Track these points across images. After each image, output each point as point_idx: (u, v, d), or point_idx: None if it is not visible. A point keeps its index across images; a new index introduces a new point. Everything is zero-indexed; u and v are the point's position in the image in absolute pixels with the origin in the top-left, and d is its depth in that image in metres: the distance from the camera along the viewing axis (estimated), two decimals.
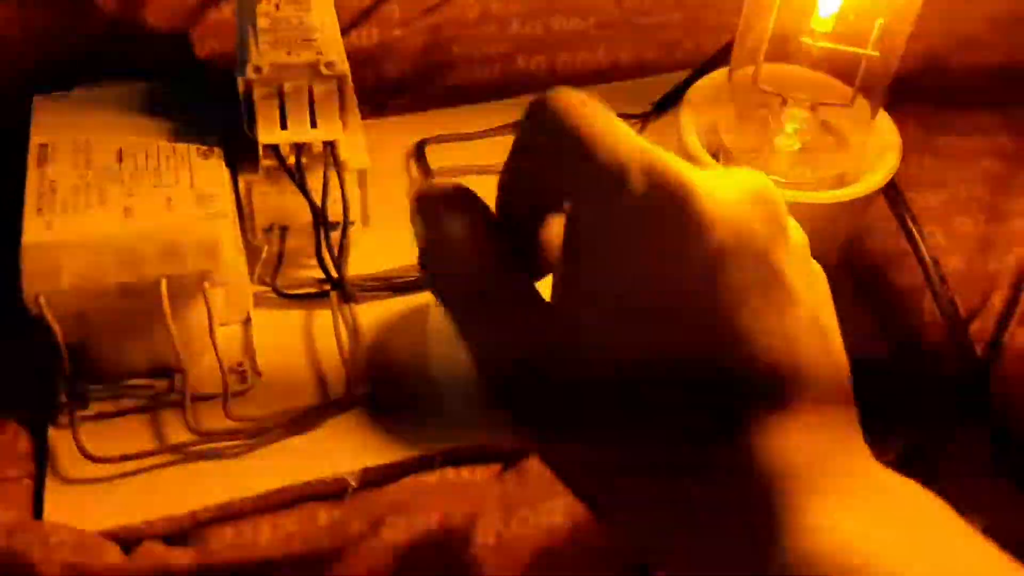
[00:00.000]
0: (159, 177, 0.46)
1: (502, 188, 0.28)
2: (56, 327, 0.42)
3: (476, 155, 0.58)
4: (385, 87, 0.62)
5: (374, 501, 0.43)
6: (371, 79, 0.61)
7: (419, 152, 0.58)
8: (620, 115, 0.26)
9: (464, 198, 0.28)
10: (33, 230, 0.43)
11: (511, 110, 0.61)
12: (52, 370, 0.45)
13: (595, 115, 0.25)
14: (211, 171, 0.47)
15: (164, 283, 0.43)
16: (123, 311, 0.44)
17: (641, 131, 0.59)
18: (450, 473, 0.44)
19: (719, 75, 0.50)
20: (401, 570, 0.40)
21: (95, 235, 0.43)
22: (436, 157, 0.58)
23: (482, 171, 0.57)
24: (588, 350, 0.26)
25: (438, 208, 0.27)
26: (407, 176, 0.58)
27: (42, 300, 0.41)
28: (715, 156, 0.48)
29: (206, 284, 0.44)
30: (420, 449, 0.45)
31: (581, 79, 0.63)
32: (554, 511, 0.43)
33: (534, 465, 0.45)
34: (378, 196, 0.52)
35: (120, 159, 0.47)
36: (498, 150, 0.59)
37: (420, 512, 0.42)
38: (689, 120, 0.48)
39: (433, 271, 0.28)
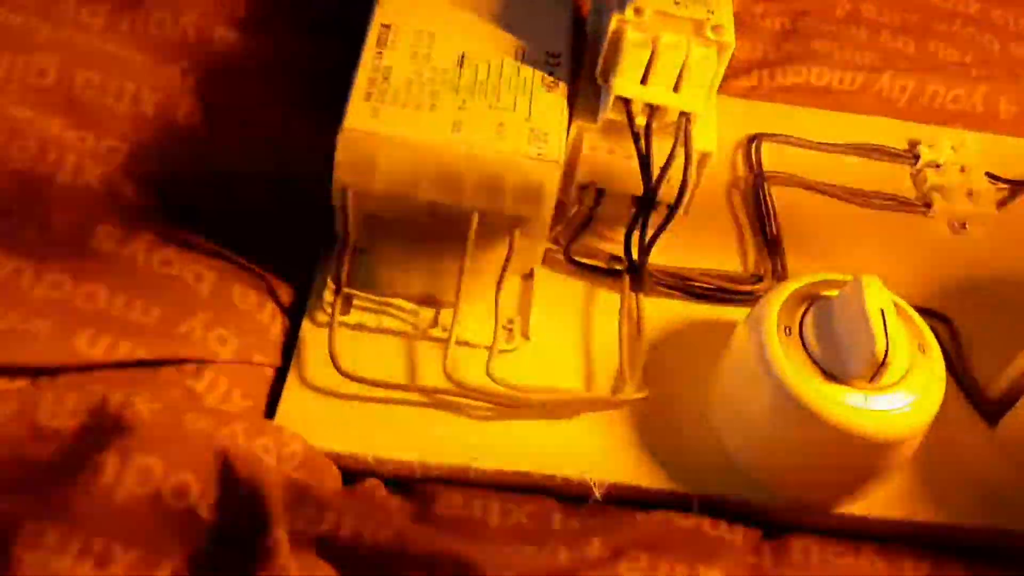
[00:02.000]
0: (497, 97, 0.41)
1: None
2: (352, 227, 0.38)
3: (810, 167, 0.51)
4: (731, 62, 0.55)
5: (619, 525, 0.38)
6: None
7: (750, 146, 0.52)
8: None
9: None
10: (358, 114, 0.39)
11: (863, 128, 0.53)
12: (327, 264, 0.42)
13: None
14: (551, 107, 0.42)
15: (476, 217, 0.38)
16: (422, 231, 0.40)
17: (1010, 199, 0.51)
18: (706, 524, 0.39)
19: None
20: None
21: (422, 140, 0.39)
22: (768, 157, 0.52)
23: (816, 188, 0.50)
24: None
25: None
26: (730, 169, 0.51)
27: (349, 195, 0.38)
28: None
29: (517, 231, 0.39)
30: (679, 484, 0.40)
31: (948, 118, 0.55)
32: None
33: (799, 544, 0.39)
34: (702, 188, 0.46)
35: (461, 64, 0.42)
36: (836, 169, 0.53)
37: (667, 557, 0.37)
38: None
39: None
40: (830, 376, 0.37)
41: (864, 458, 0.38)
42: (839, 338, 0.37)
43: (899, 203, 0.50)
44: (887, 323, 0.36)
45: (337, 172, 0.38)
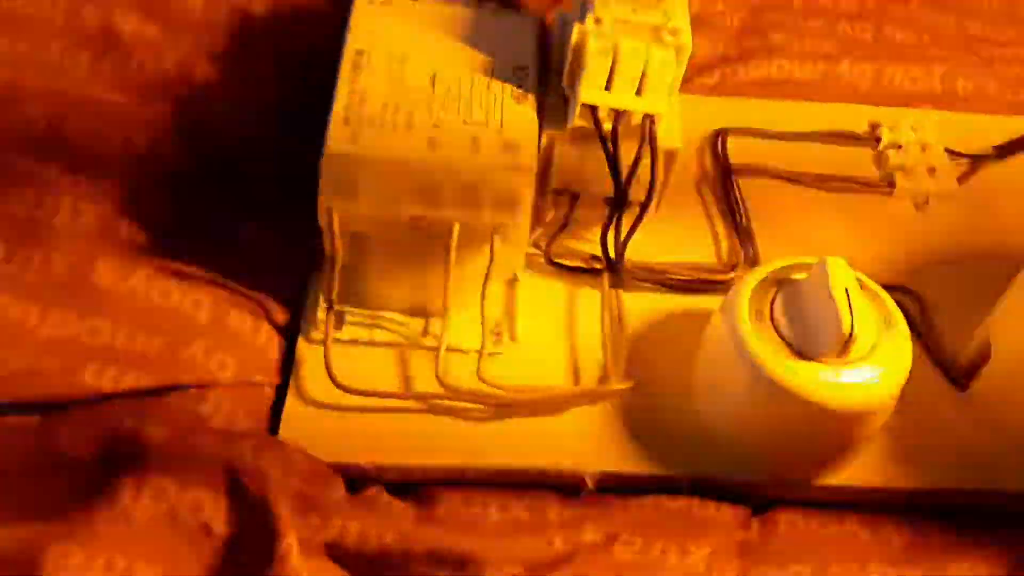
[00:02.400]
0: (469, 112, 0.43)
1: None
2: (339, 244, 0.40)
3: (779, 157, 0.53)
4: (694, 61, 0.57)
5: (612, 511, 0.40)
6: None
7: (717, 140, 0.54)
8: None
9: None
10: (339, 138, 0.41)
11: (825, 115, 0.55)
12: (318, 283, 0.44)
13: None
14: (521, 118, 0.43)
15: (457, 226, 0.40)
16: (406, 244, 0.42)
17: (970, 174, 0.53)
18: (696, 504, 0.41)
19: None
20: None
21: (400, 157, 0.41)
22: (734, 150, 0.54)
23: (782, 177, 0.52)
24: None
25: None
26: (698, 163, 0.53)
27: (334, 214, 0.40)
28: None
29: (496, 238, 0.41)
30: (668, 468, 0.42)
31: (909, 99, 0.57)
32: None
33: (785, 518, 0.41)
34: (671, 182, 0.48)
35: (433, 83, 0.44)
36: (801, 157, 0.55)
37: (657, 538, 0.39)
38: None
39: None
40: (801, 354, 0.39)
41: (839, 430, 0.40)
42: (808, 318, 0.39)
43: (863, 185, 0.52)
44: (852, 301, 0.38)
45: (321, 195, 0.40)
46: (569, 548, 0.38)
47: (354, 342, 0.44)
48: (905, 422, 0.43)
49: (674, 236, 0.49)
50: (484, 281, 0.42)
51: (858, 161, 0.54)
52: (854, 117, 0.56)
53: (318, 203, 0.40)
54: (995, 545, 0.41)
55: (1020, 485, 0.42)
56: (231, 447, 0.35)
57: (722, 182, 0.52)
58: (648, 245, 0.48)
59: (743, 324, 0.40)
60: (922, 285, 0.48)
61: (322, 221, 0.40)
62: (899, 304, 0.47)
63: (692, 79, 0.57)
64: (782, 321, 0.40)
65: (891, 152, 0.53)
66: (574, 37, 0.43)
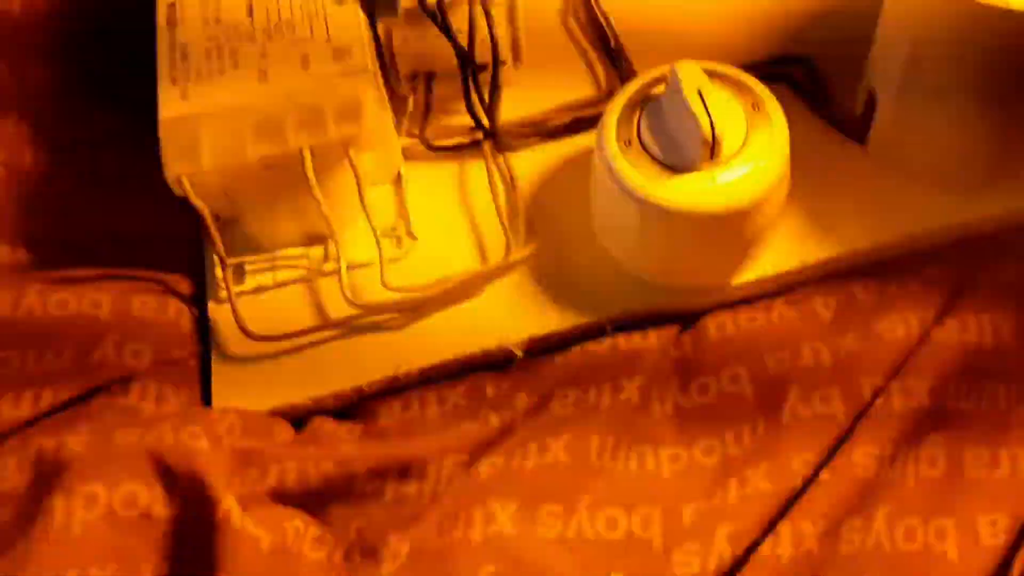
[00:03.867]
0: (293, 30, 0.42)
1: None
2: (203, 207, 0.40)
3: None
4: None
5: (542, 372, 0.41)
6: None
7: None
8: None
9: None
10: (169, 103, 0.40)
11: None
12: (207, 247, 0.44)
13: None
14: (347, 19, 0.42)
15: (307, 153, 0.40)
16: (269, 184, 0.41)
17: None
18: (621, 341, 0.41)
19: None
20: (571, 448, 0.38)
21: (232, 104, 0.40)
22: None
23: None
24: None
25: None
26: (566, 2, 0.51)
27: (185, 182, 0.39)
28: None
29: (351, 150, 0.40)
30: (588, 315, 0.42)
31: None
32: (739, 379, 0.40)
33: (713, 323, 0.41)
34: (532, 27, 0.46)
35: (251, 12, 0.43)
36: None
37: (591, 384, 0.40)
38: None
39: None
40: (675, 170, 0.38)
41: (732, 232, 0.40)
42: (672, 132, 0.38)
43: None
44: (709, 102, 0.37)
45: (165, 164, 0.39)
46: (507, 420, 0.39)
47: (260, 289, 0.44)
48: (813, 191, 0.42)
49: (549, 80, 0.48)
50: (359, 194, 0.42)
51: None
52: None
53: (165, 174, 0.39)
54: (923, 290, 0.41)
55: (928, 224, 0.42)
56: (150, 432, 0.36)
57: (585, 5, 0.50)
58: (525, 99, 0.47)
59: (614, 157, 0.39)
60: (813, 47, 0.47)
61: (175, 189, 0.40)
62: (788, 74, 0.46)
63: None
64: (650, 141, 0.39)
65: None
66: None
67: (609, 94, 0.47)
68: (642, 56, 0.48)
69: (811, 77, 0.46)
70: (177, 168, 0.39)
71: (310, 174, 0.40)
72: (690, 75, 0.38)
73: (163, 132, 0.40)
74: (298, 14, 0.43)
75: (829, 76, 0.46)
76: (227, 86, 0.41)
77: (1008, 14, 0.35)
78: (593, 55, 0.49)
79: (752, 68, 0.46)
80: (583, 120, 0.46)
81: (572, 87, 0.48)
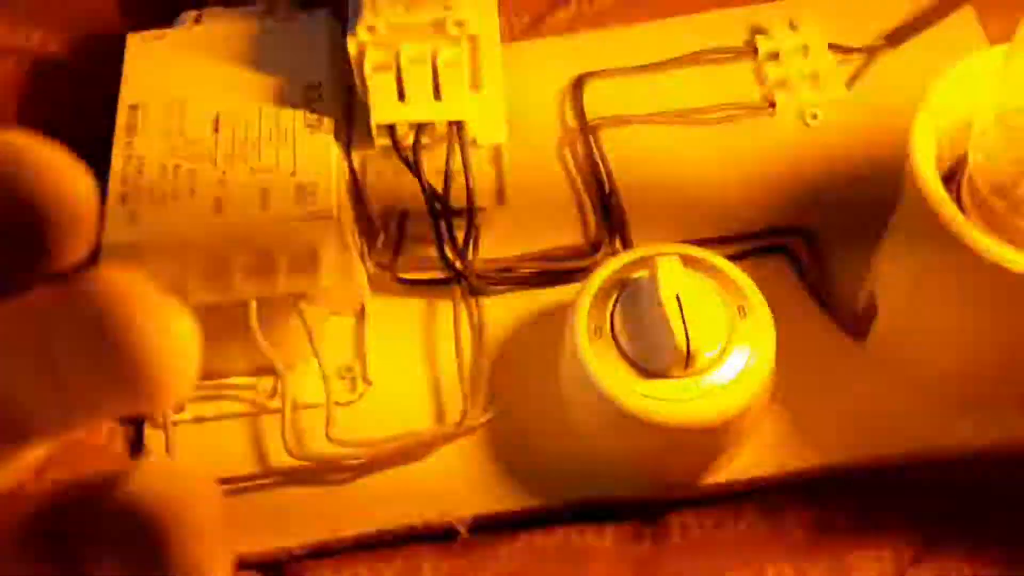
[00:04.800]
0: (258, 155, 0.39)
1: None
2: None
3: (645, 94, 0.47)
4: None
5: (485, 561, 0.38)
6: None
7: (577, 89, 0.48)
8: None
9: None
10: (115, 224, 0.38)
11: (697, 29, 0.49)
12: None
13: None
14: (316, 150, 0.39)
15: (254, 308, 0.37)
16: (213, 320, 0.38)
17: (859, 73, 0.47)
18: (573, 535, 0.38)
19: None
20: None
21: (181, 237, 0.37)
22: (596, 97, 0.48)
23: (647, 121, 0.47)
24: None
25: None
26: (560, 124, 0.48)
27: None
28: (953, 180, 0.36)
29: (302, 304, 0.37)
30: (543, 498, 0.39)
31: None
32: None
33: (676, 521, 0.38)
34: (523, 165, 0.43)
35: (217, 128, 0.40)
36: (672, 90, 0.49)
37: None
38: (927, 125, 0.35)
39: None
40: (647, 372, 0.35)
41: (706, 442, 0.36)
42: (646, 330, 0.35)
43: (741, 109, 0.47)
44: (686, 311, 0.34)
45: None
46: None
47: (200, 419, 0.41)
48: (801, 389, 0.39)
49: (534, 224, 0.44)
50: (310, 341, 0.39)
51: (738, 80, 0.48)
52: (732, 24, 0.49)
53: None
54: (903, 523, 0.38)
55: (921, 444, 0.38)
56: None
57: (584, 142, 0.47)
58: (506, 240, 0.44)
59: (583, 345, 0.36)
60: (814, 217, 0.43)
61: None
62: (789, 249, 0.43)
63: (544, 18, 0.51)
64: (622, 336, 0.36)
65: (769, 65, 0.47)
66: (351, 50, 0.38)
67: (596, 245, 0.44)
68: (638, 210, 0.44)
69: (812, 251, 0.43)
70: None
71: (254, 323, 0.37)
72: (669, 276, 0.35)
73: (104, 259, 0.37)
74: (266, 137, 0.40)
75: (832, 250, 0.43)
76: (180, 212, 0.38)
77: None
78: (585, 200, 0.45)
79: (752, 237, 0.43)
80: (563, 272, 0.43)
81: (559, 233, 0.44)
